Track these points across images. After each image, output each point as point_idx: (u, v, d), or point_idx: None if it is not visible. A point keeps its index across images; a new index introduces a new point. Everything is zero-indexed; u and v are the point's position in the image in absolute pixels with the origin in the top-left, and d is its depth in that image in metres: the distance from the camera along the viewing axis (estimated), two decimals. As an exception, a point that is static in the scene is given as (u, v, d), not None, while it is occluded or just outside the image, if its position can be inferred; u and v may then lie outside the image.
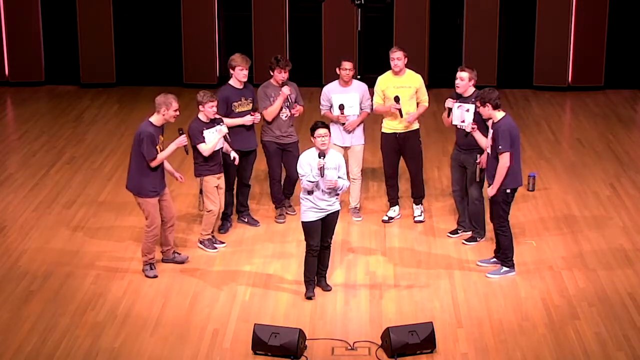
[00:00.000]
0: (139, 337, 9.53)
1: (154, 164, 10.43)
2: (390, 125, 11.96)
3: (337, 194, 10.14)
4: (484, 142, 10.82)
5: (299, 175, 10.12)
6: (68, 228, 12.04)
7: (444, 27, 18.49)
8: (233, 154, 11.35)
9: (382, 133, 12.07)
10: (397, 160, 12.15)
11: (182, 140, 10.63)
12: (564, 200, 12.90)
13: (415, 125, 11.97)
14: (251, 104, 11.75)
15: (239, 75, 11.60)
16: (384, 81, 11.91)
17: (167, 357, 9.20)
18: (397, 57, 11.76)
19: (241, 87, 11.66)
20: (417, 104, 11.93)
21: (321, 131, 10.00)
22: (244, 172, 11.91)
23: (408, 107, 11.84)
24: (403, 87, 11.81)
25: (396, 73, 11.83)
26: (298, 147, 12.05)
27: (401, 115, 11.77)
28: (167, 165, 10.87)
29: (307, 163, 10.06)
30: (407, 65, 11.89)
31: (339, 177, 10.08)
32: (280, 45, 17.99)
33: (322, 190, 10.02)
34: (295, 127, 12.20)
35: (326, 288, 10.40)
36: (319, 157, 9.99)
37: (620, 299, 10.23)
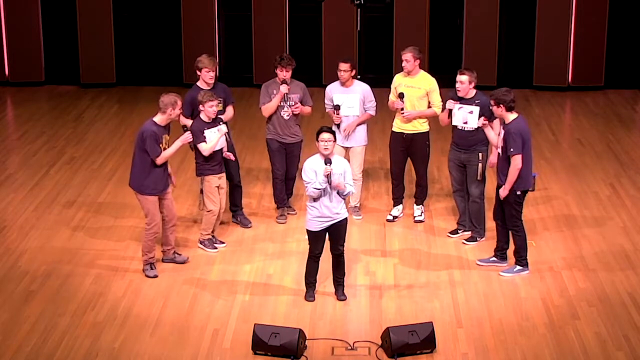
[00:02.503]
0: (139, 337, 9.52)
1: (159, 161, 10.48)
2: (398, 125, 11.97)
3: (343, 199, 9.99)
4: (494, 138, 10.82)
5: (304, 183, 9.95)
6: (68, 228, 12.04)
7: (444, 27, 18.50)
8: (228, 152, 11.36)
9: (392, 132, 12.09)
10: (403, 160, 12.13)
11: (188, 136, 10.70)
12: (564, 200, 12.90)
13: (425, 128, 11.96)
14: (220, 104, 11.65)
15: (205, 77, 11.60)
16: (397, 79, 11.94)
17: (167, 357, 9.20)
18: (405, 58, 11.75)
19: (209, 87, 11.61)
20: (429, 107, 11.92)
21: (325, 136, 9.84)
22: (230, 173, 11.86)
23: (416, 108, 11.81)
24: (413, 88, 11.79)
25: (407, 74, 11.83)
26: (301, 147, 12.07)
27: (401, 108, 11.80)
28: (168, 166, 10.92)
29: (311, 169, 9.87)
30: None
31: (345, 184, 9.93)
32: (280, 45, 17.99)
33: (329, 196, 9.86)
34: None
35: (340, 297, 10.24)
36: (325, 164, 9.79)
37: (620, 299, 10.23)
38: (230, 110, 11.85)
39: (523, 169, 10.44)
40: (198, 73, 11.66)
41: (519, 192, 10.56)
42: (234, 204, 12.14)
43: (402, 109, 11.78)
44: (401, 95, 11.77)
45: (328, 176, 9.78)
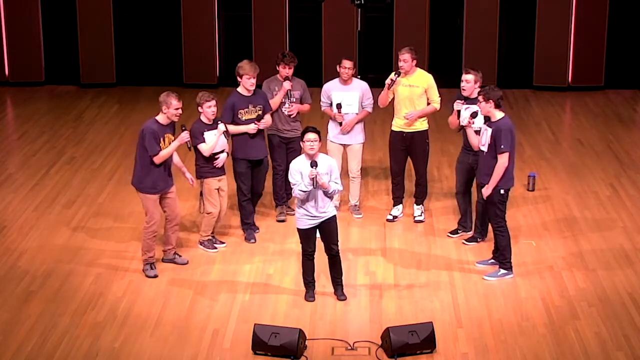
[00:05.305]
0: (139, 337, 9.53)
1: (157, 160, 10.46)
2: (398, 124, 11.97)
3: (331, 198, 10.00)
4: (475, 140, 10.80)
5: (290, 184, 10.00)
6: (68, 228, 12.04)
7: (444, 27, 18.50)
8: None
9: (391, 131, 12.09)
10: (403, 159, 12.12)
11: (184, 136, 10.63)
12: (564, 201, 12.90)
13: (424, 126, 11.97)
14: (260, 111, 11.59)
15: (246, 84, 11.45)
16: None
17: (167, 357, 9.20)
18: (403, 59, 11.74)
19: (249, 94, 11.55)
20: (428, 104, 11.92)
21: (310, 136, 9.82)
22: (254, 181, 11.70)
23: (417, 106, 11.84)
24: (412, 86, 11.80)
25: (405, 74, 11.81)
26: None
27: (389, 88, 11.78)
28: (180, 165, 10.90)
29: (297, 171, 9.88)
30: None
31: (331, 182, 9.90)
32: (280, 45, 17.99)
33: (315, 199, 9.85)
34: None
35: (340, 297, 10.23)
36: (311, 167, 9.78)
37: (620, 299, 10.23)
38: (268, 118, 11.67)
39: (508, 167, 10.42)
40: (239, 79, 11.47)
41: (502, 191, 10.51)
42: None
43: (392, 82, 11.69)
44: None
45: (313, 179, 9.79)
